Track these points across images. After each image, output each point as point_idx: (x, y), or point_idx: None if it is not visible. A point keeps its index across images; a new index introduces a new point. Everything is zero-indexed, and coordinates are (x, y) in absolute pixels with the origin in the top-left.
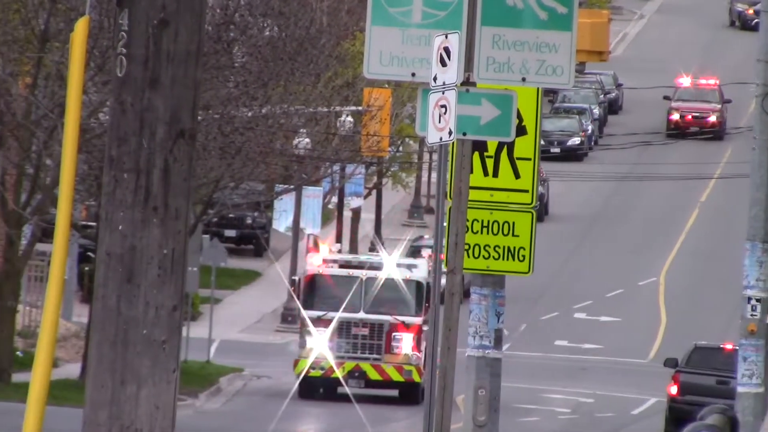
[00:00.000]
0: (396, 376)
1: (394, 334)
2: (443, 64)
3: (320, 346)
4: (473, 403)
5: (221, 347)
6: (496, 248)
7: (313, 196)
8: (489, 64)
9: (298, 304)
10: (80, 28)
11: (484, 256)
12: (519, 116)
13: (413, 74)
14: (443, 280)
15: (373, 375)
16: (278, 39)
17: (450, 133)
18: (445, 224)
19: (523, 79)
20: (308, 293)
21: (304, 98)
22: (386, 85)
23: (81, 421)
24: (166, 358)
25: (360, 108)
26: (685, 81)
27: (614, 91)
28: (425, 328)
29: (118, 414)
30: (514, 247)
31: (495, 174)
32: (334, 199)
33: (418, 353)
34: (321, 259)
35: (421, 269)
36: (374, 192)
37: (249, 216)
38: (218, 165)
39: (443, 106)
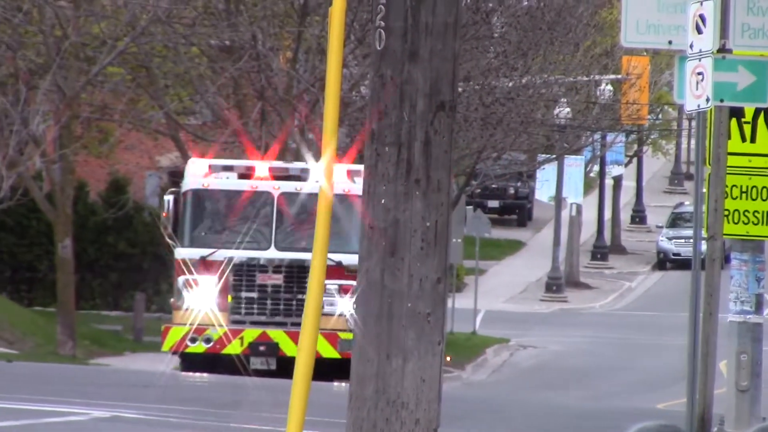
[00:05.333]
0: (327, 351)
1: (325, 282)
2: (699, 31)
3: (204, 304)
4: (735, 369)
5: (486, 318)
6: (756, 213)
7: (575, 165)
8: (744, 31)
9: (170, 240)
10: (338, 2)
11: (743, 222)
12: None
13: (670, 42)
14: (703, 247)
15: (290, 349)
16: (536, 8)
17: (707, 100)
18: (704, 190)
19: None
20: (188, 221)
21: (563, 67)
22: (644, 53)
23: (347, 396)
24: (431, 331)
25: (619, 76)
26: None
27: None
28: None
29: (384, 388)
30: None
31: (752, 140)
32: (596, 168)
33: None
34: (207, 165)
35: None
36: (635, 160)
37: (512, 186)
38: (480, 136)
39: (700, 73)
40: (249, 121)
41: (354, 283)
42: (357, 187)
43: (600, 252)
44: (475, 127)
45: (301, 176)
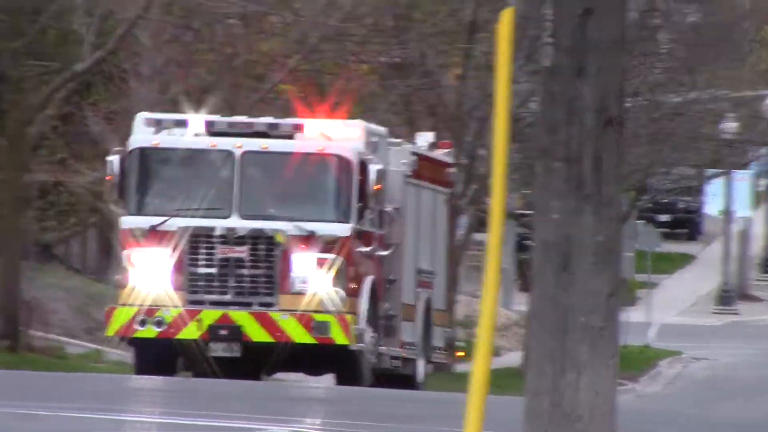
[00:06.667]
0: (299, 335)
1: (295, 256)
2: None
3: (154, 281)
4: None
5: (659, 331)
6: None
7: (743, 179)
8: None
9: (116, 208)
10: (505, 19)
11: None
12: None
13: None
14: None
15: (256, 334)
16: (702, 25)
17: None
18: None
19: None
20: (135, 185)
21: (729, 82)
22: None
23: (522, 410)
24: (605, 345)
25: None
26: None
27: None
28: (361, 248)
29: (559, 401)
30: None
31: None
32: (764, 181)
33: (340, 290)
34: (157, 120)
35: (350, 137)
36: None
37: (681, 200)
38: (648, 151)
39: None
40: None
41: (331, 255)
42: (334, 146)
43: None
44: (643, 142)
45: (267, 132)
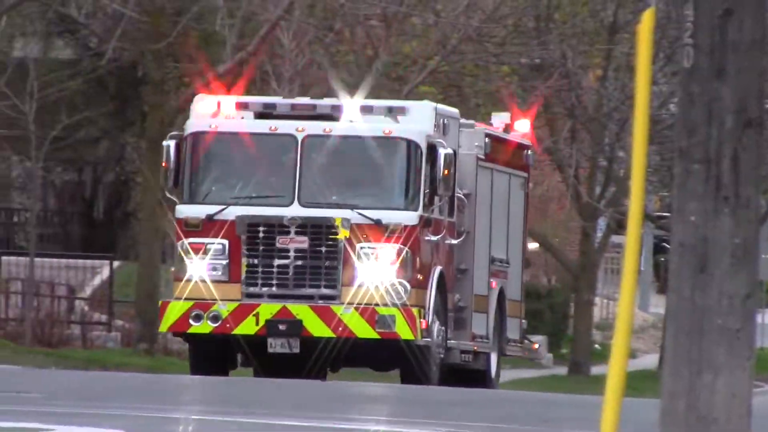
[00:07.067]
0: (362, 330)
1: (360, 246)
2: None
3: (209, 274)
4: None
5: None
6: None
7: None
8: None
9: (170, 196)
10: (646, 20)
11: None
12: None
13: None
14: None
15: (317, 328)
16: None
17: None
18: None
19: None
20: (191, 172)
21: None
22: None
23: (658, 412)
24: (741, 347)
25: None
26: None
27: None
28: (430, 237)
29: (695, 403)
30: None
31: None
32: None
33: (405, 282)
34: (216, 102)
35: (418, 119)
36: None
37: None
38: None
39: None
40: (559, 139)
41: (396, 245)
42: (401, 129)
43: None
44: None
45: (331, 115)
